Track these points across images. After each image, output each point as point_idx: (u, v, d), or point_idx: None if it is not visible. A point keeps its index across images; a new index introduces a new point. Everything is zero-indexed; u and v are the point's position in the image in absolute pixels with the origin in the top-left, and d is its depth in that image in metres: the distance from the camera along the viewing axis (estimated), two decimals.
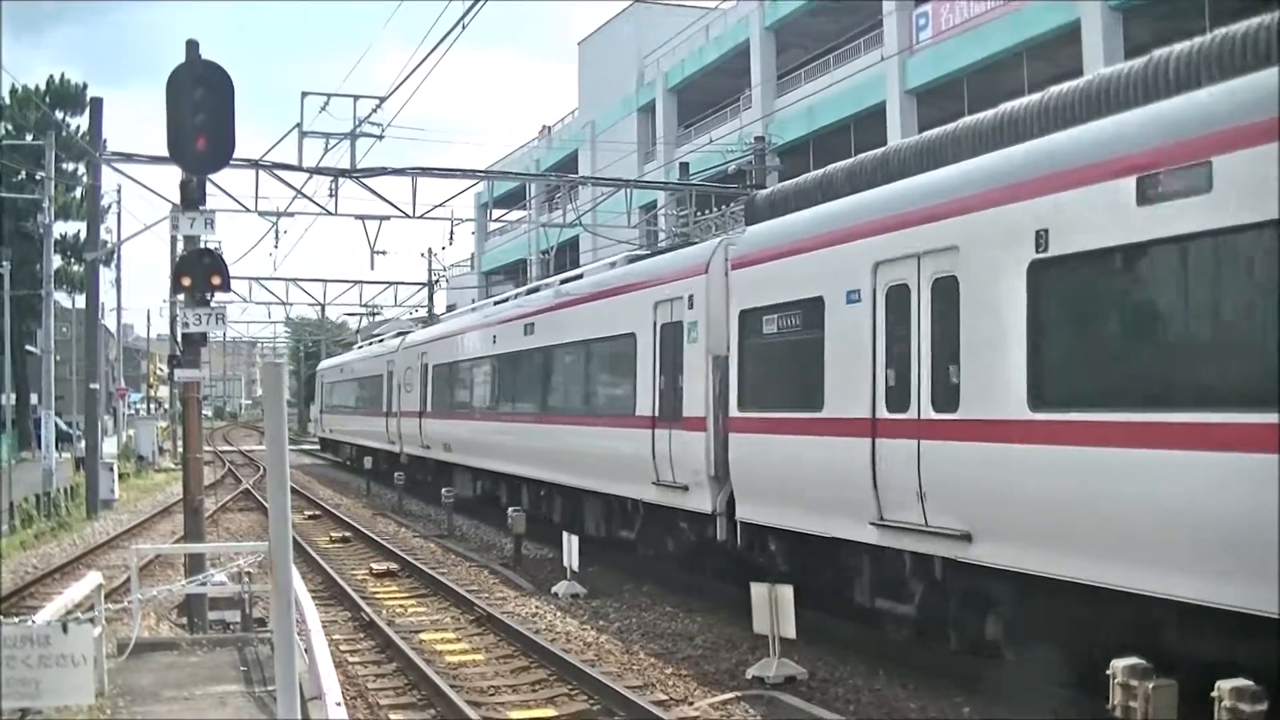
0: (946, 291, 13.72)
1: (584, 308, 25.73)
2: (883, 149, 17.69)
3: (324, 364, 78.48)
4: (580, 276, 28.25)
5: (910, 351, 14.33)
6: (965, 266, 13.42)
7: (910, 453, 14.08)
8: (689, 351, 20.02)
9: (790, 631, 15.14)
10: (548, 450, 27.44)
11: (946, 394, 13.66)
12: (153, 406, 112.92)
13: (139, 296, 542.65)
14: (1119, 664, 10.37)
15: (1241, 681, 9.52)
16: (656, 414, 21.15)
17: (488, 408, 33.26)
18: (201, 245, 18.95)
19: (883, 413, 14.72)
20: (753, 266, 18.20)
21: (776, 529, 17.46)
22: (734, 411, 18.29)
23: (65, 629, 8.73)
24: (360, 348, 65.42)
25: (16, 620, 10.31)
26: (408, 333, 51.83)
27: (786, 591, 15.17)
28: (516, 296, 34.11)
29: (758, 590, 15.38)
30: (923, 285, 14.15)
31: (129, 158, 35.82)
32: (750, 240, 18.85)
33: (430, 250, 74.22)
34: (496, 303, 35.69)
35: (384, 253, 58.32)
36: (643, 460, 21.43)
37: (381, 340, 57.79)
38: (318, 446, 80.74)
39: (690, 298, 20.15)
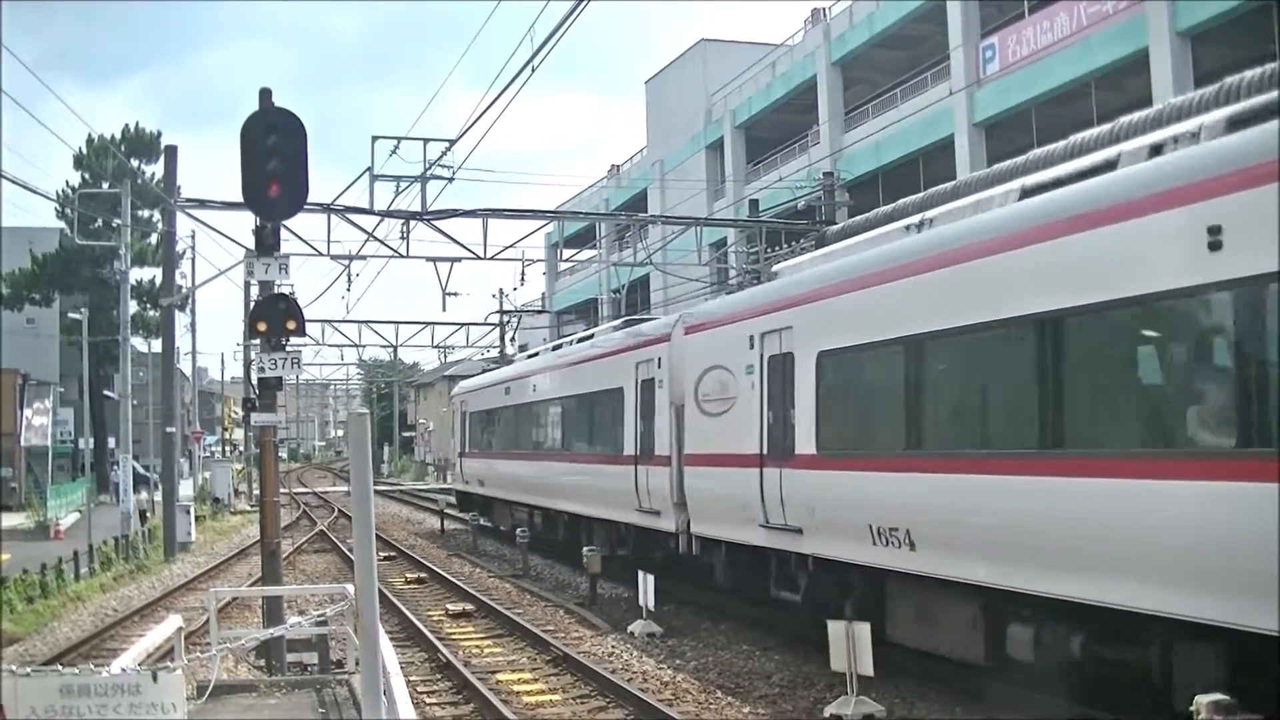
0: None
1: None
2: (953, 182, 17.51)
3: (468, 384, 51.10)
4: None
5: None
6: None
7: None
8: None
9: (868, 669, 15.04)
10: None
11: None
12: (228, 449, 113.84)
13: (213, 340, 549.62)
14: (1203, 700, 10.07)
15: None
16: None
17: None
18: (276, 290, 19.11)
19: None
20: None
21: None
22: None
23: (155, 678, 8.80)
24: (532, 356, 41.89)
25: (105, 667, 10.39)
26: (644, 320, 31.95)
27: (864, 629, 15.07)
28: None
29: (835, 628, 15.28)
30: None
31: (203, 204, 36.26)
32: None
33: (501, 291, 74.48)
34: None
35: (456, 294, 58.61)
36: None
37: (588, 334, 36.07)
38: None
39: None
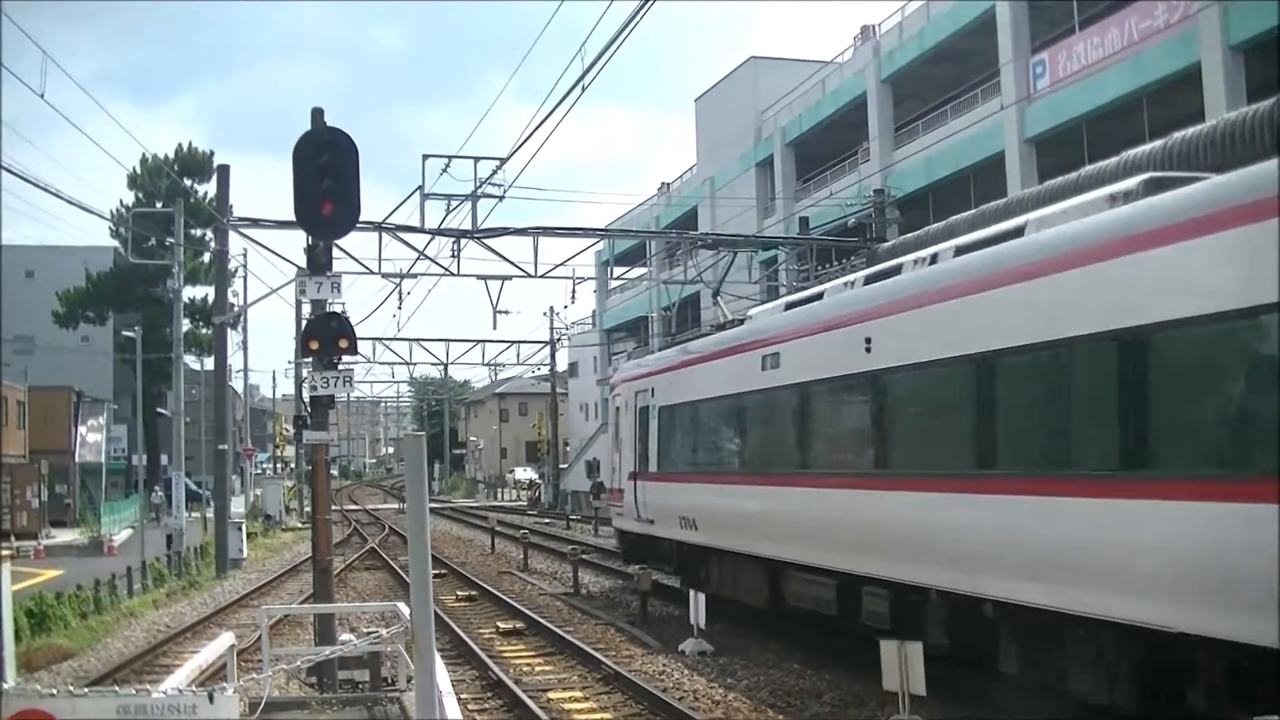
0: None
1: None
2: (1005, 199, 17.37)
3: (653, 361, 31.76)
4: None
5: None
6: None
7: None
8: None
9: (920, 688, 14.88)
10: None
11: None
12: (279, 466, 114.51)
13: (265, 357, 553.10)
14: None
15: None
16: None
17: None
18: (328, 309, 19.19)
19: None
20: None
21: None
22: None
23: (211, 698, 8.84)
24: (805, 302, 22.14)
25: (161, 687, 10.43)
26: None
27: (916, 648, 14.93)
28: None
29: (887, 647, 15.15)
30: None
31: (255, 222, 36.48)
32: None
33: (552, 309, 74.60)
34: None
35: (506, 312, 59.01)
36: None
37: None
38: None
39: None
